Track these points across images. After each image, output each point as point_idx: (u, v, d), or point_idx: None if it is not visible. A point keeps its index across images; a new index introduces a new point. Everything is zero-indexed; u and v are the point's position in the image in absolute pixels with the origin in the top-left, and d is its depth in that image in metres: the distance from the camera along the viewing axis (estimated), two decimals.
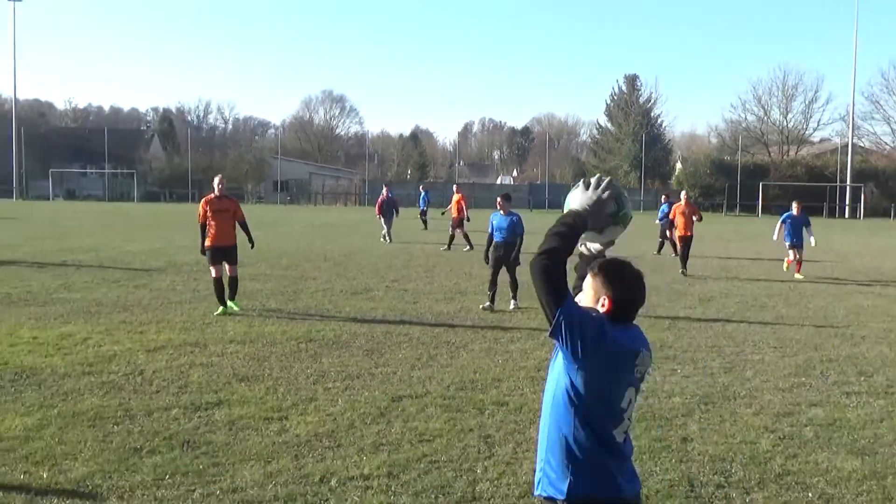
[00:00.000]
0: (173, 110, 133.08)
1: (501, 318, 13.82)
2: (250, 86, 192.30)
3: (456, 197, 28.92)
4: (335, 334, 11.93)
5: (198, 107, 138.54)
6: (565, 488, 3.32)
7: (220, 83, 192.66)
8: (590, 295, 3.46)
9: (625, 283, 3.43)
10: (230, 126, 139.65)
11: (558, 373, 3.39)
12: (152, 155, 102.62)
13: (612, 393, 3.34)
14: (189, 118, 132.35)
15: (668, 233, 27.21)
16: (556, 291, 3.24)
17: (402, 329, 12.49)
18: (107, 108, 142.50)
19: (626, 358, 3.35)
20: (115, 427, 7.40)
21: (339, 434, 7.33)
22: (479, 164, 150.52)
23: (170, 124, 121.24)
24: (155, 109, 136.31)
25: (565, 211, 3.66)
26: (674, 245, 27.19)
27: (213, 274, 13.67)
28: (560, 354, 3.37)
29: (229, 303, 13.69)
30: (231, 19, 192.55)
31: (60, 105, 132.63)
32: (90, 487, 6.01)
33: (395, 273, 20.07)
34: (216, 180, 14.09)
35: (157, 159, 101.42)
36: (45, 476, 6.18)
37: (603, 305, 3.39)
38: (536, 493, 3.46)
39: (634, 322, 3.48)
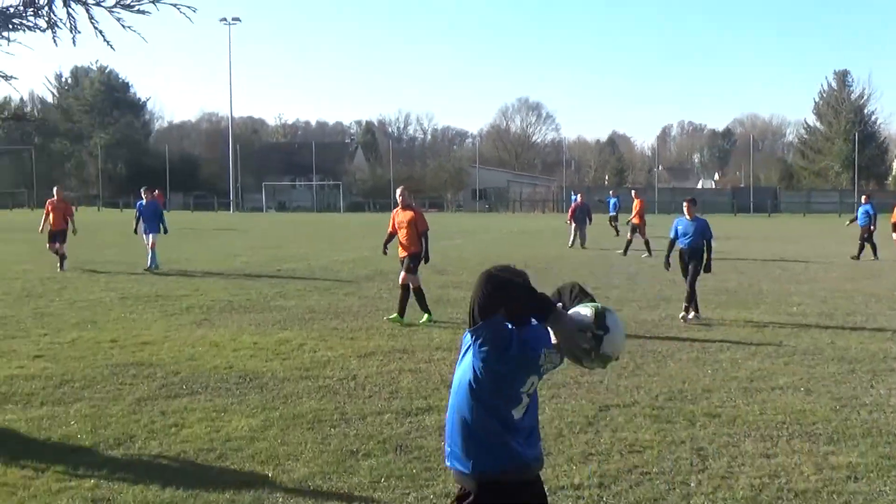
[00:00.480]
0: (375, 123, 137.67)
1: (709, 326, 13.42)
2: (447, 96, 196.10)
3: (635, 202, 28.56)
4: None
5: (398, 119, 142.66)
6: (470, 465, 3.72)
7: (419, 95, 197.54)
8: (477, 308, 3.68)
9: (490, 288, 3.62)
10: (429, 137, 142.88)
11: (466, 365, 3.72)
12: (356, 166, 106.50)
13: (514, 385, 3.70)
14: (390, 130, 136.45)
15: (870, 234, 25.87)
16: (488, 309, 3.52)
17: None
18: (313, 122, 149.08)
19: (529, 360, 3.69)
20: (332, 430, 7.70)
21: (548, 443, 7.32)
22: (678, 168, 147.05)
23: (372, 136, 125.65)
24: (358, 122, 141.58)
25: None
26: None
27: (412, 284, 13.91)
28: (469, 349, 3.70)
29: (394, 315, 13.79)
30: (428, 31, 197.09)
31: (271, 121, 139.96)
32: (311, 487, 6.27)
33: (597, 280, 19.89)
34: (398, 192, 14.39)
35: (361, 171, 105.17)
36: (270, 475, 6.52)
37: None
38: (447, 464, 3.86)
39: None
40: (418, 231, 13.91)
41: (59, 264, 21.49)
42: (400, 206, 14.08)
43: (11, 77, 3.75)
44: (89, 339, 12.00)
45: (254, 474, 6.53)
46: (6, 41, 3.58)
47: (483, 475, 3.70)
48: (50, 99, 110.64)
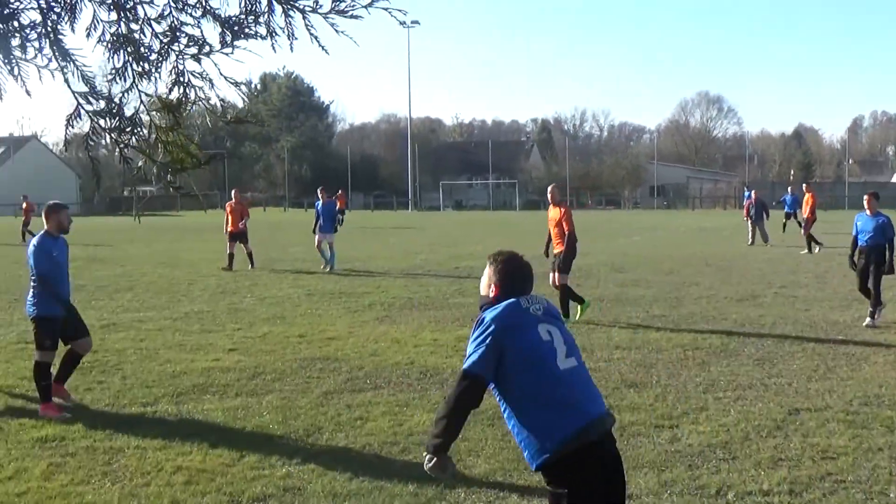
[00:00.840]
0: (551, 121, 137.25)
1: None
2: (624, 92, 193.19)
3: (807, 197, 27.36)
4: (722, 342, 11.61)
5: (574, 116, 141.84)
6: (547, 443, 3.79)
7: (595, 91, 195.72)
8: (485, 282, 4.22)
9: (507, 269, 4.17)
10: (605, 133, 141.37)
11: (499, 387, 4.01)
12: (532, 164, 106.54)
13: (531, 343, 3.90)
14: (565, 127, 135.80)
15: None
16: (470, 402, 3.95)
17: (794, 338, 11.89)
18: (489, 121, 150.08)
19: (514, 320, 3.95)
20: None
21: (734, 446, 7.11)
22: (870, 162, 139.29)
23: (548, 134, 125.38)
24: (534, 121, 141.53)
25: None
26: None
27: (559, 282, 13.81)
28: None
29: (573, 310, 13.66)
30: (603, 27, 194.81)
31: (448, 121, 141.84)
32: (492, 483, 6.34)
33: (783, 279, 19.14)
34: (549, 189, 14.42)
35: (537, 169, 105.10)
36: None
37: (491, 289, 4.15)
38: (534, 468, 3.92)
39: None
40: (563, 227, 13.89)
41: (249, 263, 22.48)
42: (551, 203, 14.06)
43: (241, 83, 3.98)
44: (279, 334, 12.53)
45: None
46: (231, 49, 3.79)
47: (564, 443, 3.78)
48: (241, 104, 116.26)
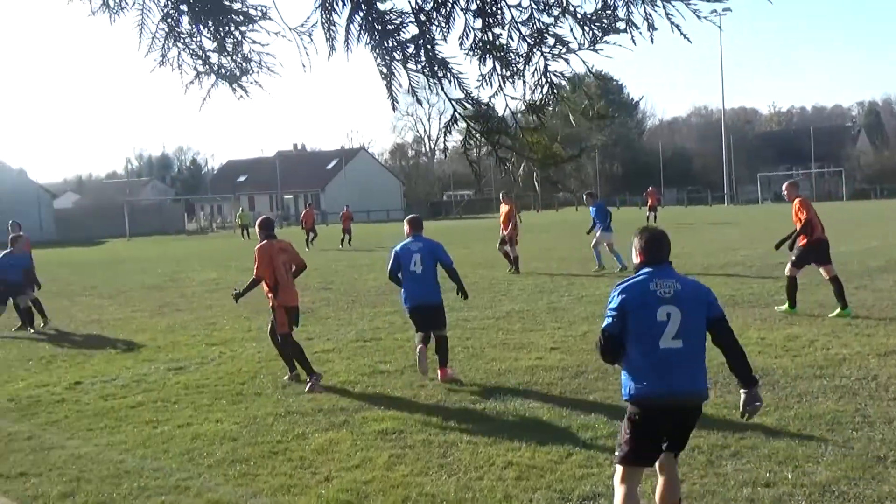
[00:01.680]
0: (879, 103, 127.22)
1: None
2: None
3: None
4: None
5: None
6: (631, 390, 5.03)
7: None
8: (633, 252, 5.24)
9: (645, 239, 5.19)
10: None
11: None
12: (860, 150, 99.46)
13: (645, 320, 4.95)
14: None
15: None
16: (614, 350, 5.14)
17: None
18: (809, 108, 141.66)
19: (638, 300, 5.00)
20: (854, 433, 7.24)
21: None
22: None
23: (877, 117, 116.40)
24: (860, 104, 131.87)
25: None
26: None
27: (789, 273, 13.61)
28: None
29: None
30: None
31: (764, 110, 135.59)
32: (836, 493, 5.96)
33: None
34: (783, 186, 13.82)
35: (865, 154, 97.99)
36: (789, 477, 6.30)
37: (637, 257, 5.22)
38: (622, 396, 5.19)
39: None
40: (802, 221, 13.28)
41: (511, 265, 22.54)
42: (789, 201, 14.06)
43: (611, 78, 4.10)
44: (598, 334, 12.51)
45: (773, 473, 6.36)
46: (594, 46, 3.86)
47: (638, 399, 4.99)
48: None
